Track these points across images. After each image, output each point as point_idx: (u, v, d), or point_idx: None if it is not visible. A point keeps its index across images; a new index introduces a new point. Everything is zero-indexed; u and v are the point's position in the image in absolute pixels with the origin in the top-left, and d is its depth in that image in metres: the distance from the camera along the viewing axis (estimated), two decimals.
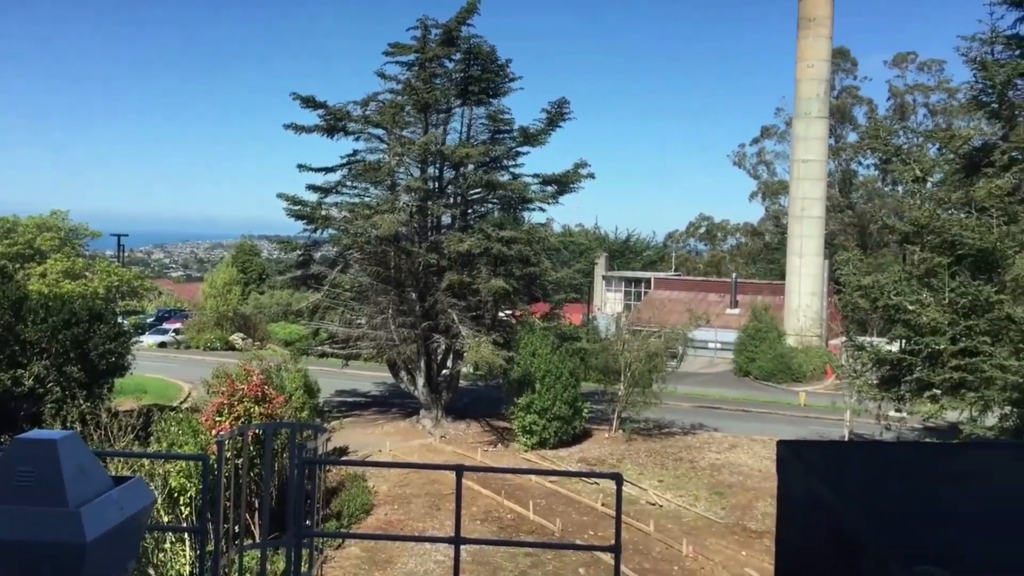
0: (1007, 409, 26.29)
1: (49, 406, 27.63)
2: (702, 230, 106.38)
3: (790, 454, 1.78)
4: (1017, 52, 28.87)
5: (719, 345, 61.97)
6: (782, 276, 66.12)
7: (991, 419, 27.14)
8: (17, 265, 53.34)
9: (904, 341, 28.80)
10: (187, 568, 18.54)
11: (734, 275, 71.59)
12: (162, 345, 62.28)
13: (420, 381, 39.57)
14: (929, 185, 30.38)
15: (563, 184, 40.90)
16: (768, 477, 30.06)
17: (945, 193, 29.07)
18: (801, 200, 61.94)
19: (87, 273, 57.54)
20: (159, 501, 19.62)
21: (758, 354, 56.53)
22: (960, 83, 79.64)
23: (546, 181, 40.98)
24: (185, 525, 19.64)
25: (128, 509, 3.08)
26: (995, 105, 29.13)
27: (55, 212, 61.18)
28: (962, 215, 27.37)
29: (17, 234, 58.18)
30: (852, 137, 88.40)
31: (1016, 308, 25.50)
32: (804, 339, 57.67)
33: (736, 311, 65.91)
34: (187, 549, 18.92)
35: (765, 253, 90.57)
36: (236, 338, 62.87)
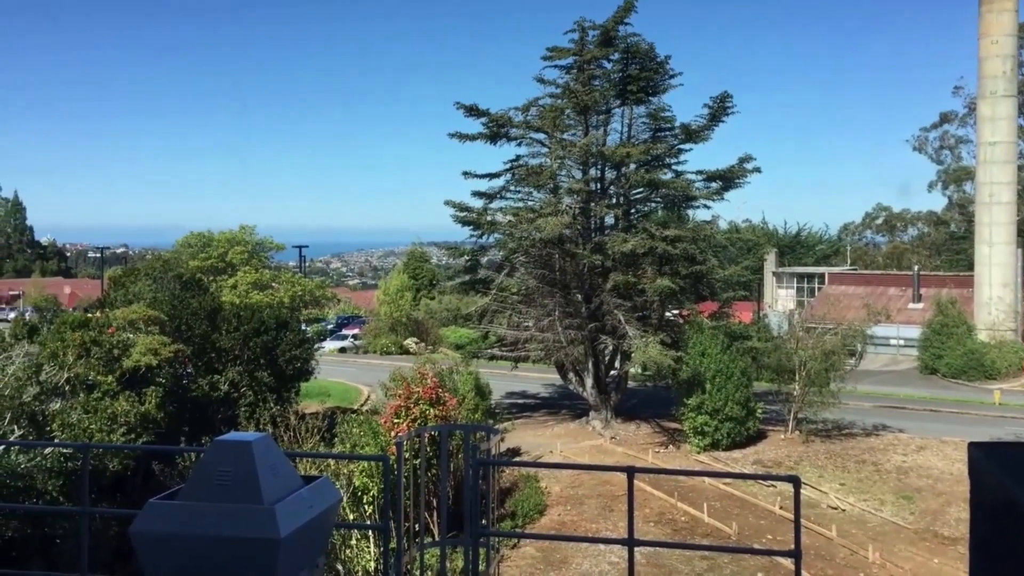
0: None
1: (243, 409, 29.54)
2: (879, 221, 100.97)
3: (984, 457, 1.68)
4: None
5: (901, 342, 58.77)
6: (969, 267, 61.95)
7: None
8: (211, 277, 57.27)
9: None
10: (372, 564, 19.34)
11: (916, 267, 67.64)
12: (342, 350, 65.13)
13: (588, 382, 39.64)
14: None
15: (728, 180, 39.98)
16: (962, 481, 28.20)
17: None
18: (989, 185, 57.79)
19: (273, 284, 61.08)
20: (344, 500, 20.59)
21: (945, 350, 53.18)
22: None
23: (710, 177, 40.17)
24: (369, 523, 20.50)
25: (317, 507, 3.27)
26: None
27: (243, 227, 65.28)
28: None
29: (211, 248, 62.51)
30: None
31: None
32: (997, 333, 53.78)
33: (919, 305, 62.26)
34: (371, 546, 19.74)
35: (950, 243, 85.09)
36: (410, 342, 65.05)
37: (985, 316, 55.61)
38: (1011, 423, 37.62)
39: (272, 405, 27.37)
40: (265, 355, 32.20)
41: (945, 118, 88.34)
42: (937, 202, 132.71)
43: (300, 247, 79.83)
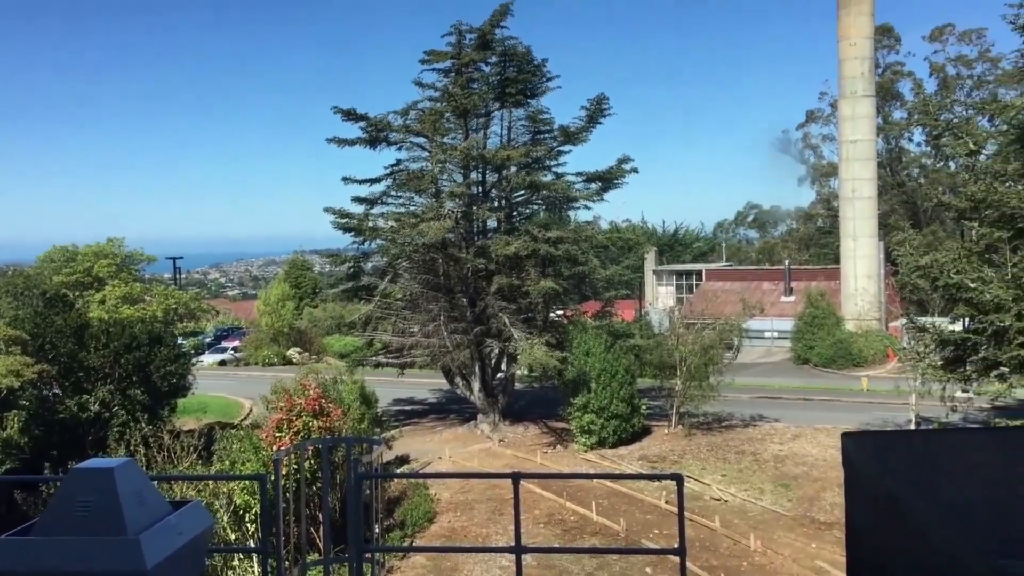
0: None
1: (115, 430, 28.22)
2: (751, 218, 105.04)
3: (856, 447, 1.69)
4: None
5: (775, 334, 61.11)
6: (837, 260, 64.98)
7: None
8: (77, 293, 54.55)
9: (967, 320, 28.12)
10: None
11: (787, 262, 70.54)
12: (222, 363, 63.26)
13: (476, 386, 39.65)
14: (983, 158, 29.60)
15: (607, 180, 40.74)
16: (835, 466, 29.51)
17: (1001, 165, 28.27)
18: (852, 181, 60.82)
19: (145, 297, 58.58)
20: (225, 519, 19.91)
21: (816, 341, 55.65)
22: (1005, 52, 77.70)
23: (590, 179, 40.86)
24: (250, 543, 19.88)
25: (187, 533, 3.08)
26: None
27: (111, 239, 62.34)
28: (1020, 187, 26.62)
29: (76, 263, 59.48)
30: (900, 115, 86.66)
31: None
32: (863, 323, 56.61)
33: (791, 299, 64.94)
34: (255, 565, 19.15)
35: (818, 238, 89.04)
36: (293, 353, 63.68)
37: (852, 307, 58.40)
38: (878, 408, 39.61)
39: (144, 425, 26.25)
40: (138, 372, 30.90)
41: (811, 116, 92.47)
42: (806, 198, 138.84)
43: (174, 258, 77.04)
